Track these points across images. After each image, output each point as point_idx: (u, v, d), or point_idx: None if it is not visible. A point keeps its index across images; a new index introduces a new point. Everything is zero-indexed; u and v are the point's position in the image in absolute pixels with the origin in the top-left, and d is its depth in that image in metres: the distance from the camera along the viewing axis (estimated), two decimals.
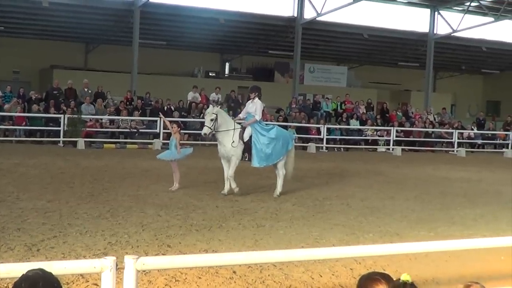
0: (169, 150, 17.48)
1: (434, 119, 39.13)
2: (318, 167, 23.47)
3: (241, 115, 17.10)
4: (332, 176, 20.97)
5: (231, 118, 17.06)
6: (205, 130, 16.37)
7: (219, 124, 16.18)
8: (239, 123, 16.58)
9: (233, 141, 16.07)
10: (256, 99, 16.55)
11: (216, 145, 16.88)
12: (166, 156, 17.26)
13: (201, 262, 6.56)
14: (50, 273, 3.97)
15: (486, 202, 16.99)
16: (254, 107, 16.47)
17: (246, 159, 16.34)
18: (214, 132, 16.38)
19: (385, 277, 4.23)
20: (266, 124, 17.67)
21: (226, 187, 16.17)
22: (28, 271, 3.95)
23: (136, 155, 25.11)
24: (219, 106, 21.14)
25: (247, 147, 16.18)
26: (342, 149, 34.26)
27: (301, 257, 7.27)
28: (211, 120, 16.14)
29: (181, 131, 18.30)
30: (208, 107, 32.47)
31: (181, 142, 17.68)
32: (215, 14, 38.05)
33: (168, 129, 18.97)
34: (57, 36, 39.44)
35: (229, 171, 16.16)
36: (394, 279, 4.21)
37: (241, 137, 16.18)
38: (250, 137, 16.18)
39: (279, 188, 16.33)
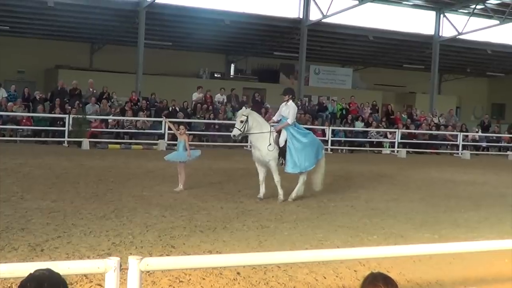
0: (176, 151, 17.43)
1: (439, 120, 39.08)
2: None
3: (274, 118, 16.65)
4: (337, 178, 20.95)
5: (265, 121, 16.52)
6: (235, 132, 15.86)
7: (250, 126, 15.69)
8: (272, 126, 16.07)
9: (270, 144, 15.57)
10: (290, 101, 16.11)
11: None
12: (174, 158, 17.21)
13: (205, 263, 6.56)
14: (58, 274, 3.96)
15: (490, 205, 16.96)
16: (287, 110, 16.02)
17: (282, 165, 15.90)
18: (244, 135, 16.05)
19: (387, 284, 4.17)
20: (302, 130, 17.10)
21: (262, 191, 15.81)
22: (35, 271, 3.94)
23: (141, 155, 25.12)
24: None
25: (282, 152, 15.77)
26: (346, 151, 34.20)
27: (305, 259, 7.27)
28: (241, 121, 15.68)
29: (186, 132, 18.21)
30: (213, 108, 32.86)
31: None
32: (221, 15, 38.07)
33: (172, 131, 18.69)
34: (63, 36, 39.46)
35: (274, 177, 15.68)
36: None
37: (276, 142, 15.72)
38: (285, 142, 15.78)
39: (294, 193, 15.95)
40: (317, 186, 16.51)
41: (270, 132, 15.78)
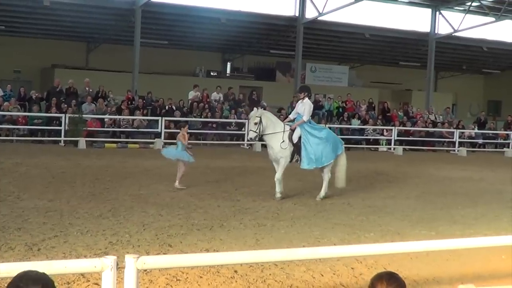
0: (175, 149, 17.41)
1: (435, 118, 39.08)
2: None
3: (291, 116, 16.65)
4: (333, 176, 20.92)
5: (278, 119, 16.51)
6: (251, 135, 15.89)
7: (264, 126, 15.64)
8: (288, 125, 16.02)
9: (283, 141, 15.57)
10: (306, 99, 16.07)
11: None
12: (172, 155, 17.21)
13: (202, 262, 6.56)
14: (43, 273, 3.97)
15: (487, 201, 16.99)
16: (303, 107, 16.00)
17: (297, 161, 15.86)
18: (260, 136, 15.88)
19: (389, 279, 4.19)
20: (317, 126, 16.97)
21: (277, 190, 15.70)
22: (20, 272, 3.95)
23: (137, 154, 25.09)
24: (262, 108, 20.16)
25: (297, 149, 15.72)
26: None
27: (302, 256, 7.28)
28: (255, 123, 15.61)
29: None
30: (209, 106, 32.84)
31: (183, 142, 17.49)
32: (217, 13, 38.05)
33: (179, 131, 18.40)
34: (59, 35, 39.43)
35: (277, 173, 15.68)
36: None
37: (290, 138, 15.70)
38: (300, 138, 15.74)
39: (322, 192, 15.98)
40: (340, 183, 16.43)
41: (283, 131, 15.73)
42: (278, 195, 15.63)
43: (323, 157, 15.82)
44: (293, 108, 35.37)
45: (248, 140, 17.01)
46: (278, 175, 15.69)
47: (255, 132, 15.67)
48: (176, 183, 16.62)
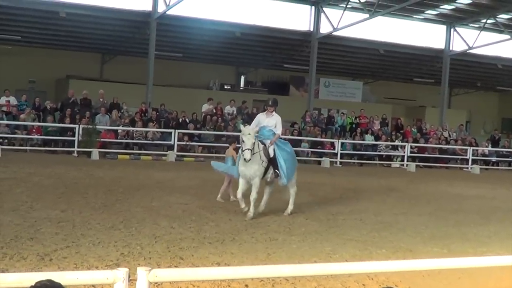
0: (225, 164, 17.26)
1: (449, 135, 38.98)
2: (331, 181, 23.42)
3: (251, 127, 15.94)
4: (346, 191, 20.91)
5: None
6: (249, 155, 14.59)
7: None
8: (262, 143, 15.34)
9: (263, 161, 15.03)
10: (275, 113, 15.68)
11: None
12: (222, 168, 17.02)
13: (214, 275, 6.55)
14: (59, 284, 3.96)
15: (500, 220, 16.89)
16: (273, 121, 15.55)
17: (274, 178, 15.40)
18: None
19: None
20: (283, 140, 16.49)
21: (252, 211, 14.88)
22: (36, 283, 3.94)
23: (150, 166, 25.13)
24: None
25: (273, 164, 15.23)
26: (356, 163, 34.12)
27: (313, 272, 7.26)
28: (254, 143, 14.75)
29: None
30: (222, 120, 32.85)
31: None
32: (231, 27, 38.19)
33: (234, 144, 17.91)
34: (74, 46, 39.66)
35: (252, 193, 14.81)
36: None
37: (266, 154, 15.19)
38: (274, 152, 15.30)
39: (290, 207, 15.69)
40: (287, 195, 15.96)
41: (259, 150, 15.07)
42: (250, 214, 14.86)
43: (292, 172, 15.60)
44: (305, 122, 35.56)
45: (246, 161, 15.34)
46: (254, 194, 14.90)
47: (252, 151, 14.68)
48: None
